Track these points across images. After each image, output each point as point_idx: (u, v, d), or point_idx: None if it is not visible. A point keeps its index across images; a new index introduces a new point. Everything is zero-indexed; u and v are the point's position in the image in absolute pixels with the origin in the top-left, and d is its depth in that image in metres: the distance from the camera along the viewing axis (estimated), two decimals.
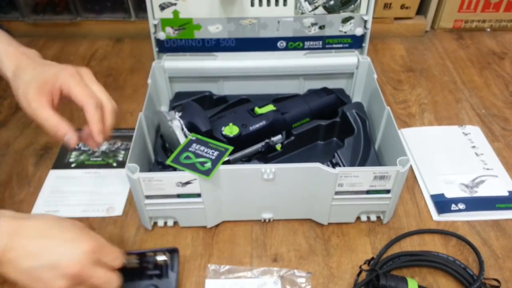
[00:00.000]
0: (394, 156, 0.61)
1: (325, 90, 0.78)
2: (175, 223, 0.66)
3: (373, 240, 0.64)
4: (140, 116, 0.67)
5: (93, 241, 0.47)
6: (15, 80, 0.53)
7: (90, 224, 0.54)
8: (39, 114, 0.51)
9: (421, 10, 1.11)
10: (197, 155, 0.60)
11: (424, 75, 0.98)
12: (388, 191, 0.61)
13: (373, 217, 0.66)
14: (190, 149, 0.61)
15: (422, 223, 0.66)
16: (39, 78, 0.52)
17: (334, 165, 0.67)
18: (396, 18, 1.09)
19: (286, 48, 0.80)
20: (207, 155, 0.60)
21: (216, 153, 0.61)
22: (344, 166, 0.67)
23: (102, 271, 0.46)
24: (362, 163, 0.67)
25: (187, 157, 0.60)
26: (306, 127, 0.73)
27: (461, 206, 0.68)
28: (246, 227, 0.65)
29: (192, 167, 0.58)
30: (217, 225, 0.66)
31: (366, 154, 0.68)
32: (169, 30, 0.78)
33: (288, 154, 0.74)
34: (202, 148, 0.62)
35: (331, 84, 0.81)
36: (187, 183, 0.59)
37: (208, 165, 0.59)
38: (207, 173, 0.58)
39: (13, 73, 0.53)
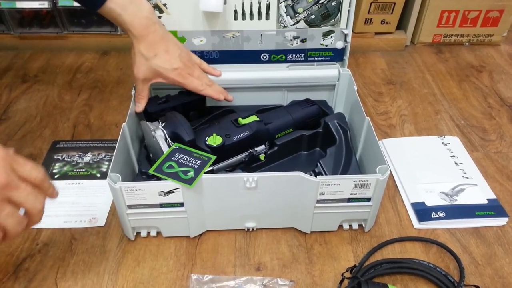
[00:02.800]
0: (374, 165, 0.62)
1: (307, 101, 0.79)
2: (158, 233, 0.66)
3: (355, 248, 0.64)
4: (124, 126, 0.67)
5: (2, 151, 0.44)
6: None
7: None
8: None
9: (401, 25, 1.14)
10: (180, 164, 0.61)
11: (404, 87, 1.00)
12: (369, 199, 0.62)
13: (355, 225, 0.67)
14: (173, 158, 0.62)
15: (403, 231, 0.67)
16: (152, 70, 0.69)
17: (316, 174, 0.68)
18: (376, 33, 1.12)
19: (269, 61, 0.81)
20: (190, 164, 0.61)
21: (199, 162, 0.61)
22: (326, 175, 0.68)
23: (24, 184, 0.44)
24: (344, 172, 0.68)
25: (170, 166, 0.60)
26: (289, 137, 0.74)
27: (441, 214, 0.69)
28: (229, 236, 0.66)
29: (174, 176, 0.59)
30: (200, 235, 0.66)
31: (347, 163, 0.69)
32: None
33: (272, 164, 0.74)
34: (185, 157, 0.62)
35: (314, 95, 0.83)
36: (170, 192, 0.59)
37: (191, 174, 0.59)
38: (189, 182, 0.58)
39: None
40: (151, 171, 0.60)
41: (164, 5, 0.75)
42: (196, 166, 0.60)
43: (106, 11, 0.64)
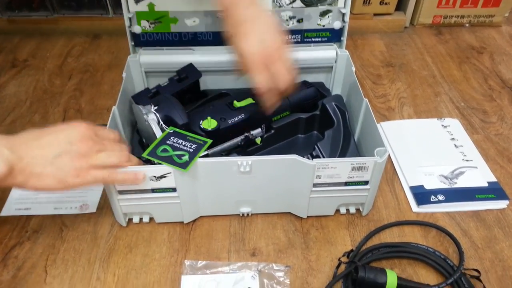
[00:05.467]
0: (372, 147, 0.60)
1: (304, 83, 0.77)
2: (151, 219, 0.64)
3: (352, 232, 0.63)
4: (114, 109, 0.65)
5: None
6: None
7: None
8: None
9: (400, 6, 1.11)
10: (175, 148, 0.59)
11: (403, 69, 0.98)
12: (366, 182, 0.60)
13: (352, 209, 0.65)
14: (167, 142, 0.60)
15: (402, 214, 0.66)
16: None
17: (314, 158, 0.66)
18: (375, 14, 1.09)
19: None
20: (185, 148, 0.59)
21: (194, 146, 0.59)
22: (324, 158, 0.66)
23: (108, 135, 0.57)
24: (342, 155, 0.66)
25: (164, 150, 0.59)
26: (286, 120, 0.72)
27: (441, 197, 0.67)
28: (224, 222, 0.64)
29: (169, 160, 0.57)
30: (194, 220, 0.64)
31: (346, 146, 0.67)
32: (144, 23, 0.76)
33: (268, 147, 0.72)
34: (180, 141, 0.60)
35: (311, 77, 0.81)
36: (162, 177, 0.58)
37: (186, 158, 0.57)
38: (184, 166, 0.56)
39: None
40: (144, 155, 0.58)
41: None
42: (191, 150, 0.58)
43: None
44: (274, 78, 0.58)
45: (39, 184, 0.50)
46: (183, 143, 0.60)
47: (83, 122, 0.54)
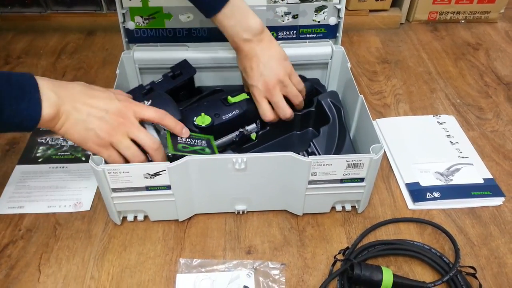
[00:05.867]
0: (368, 144, 0.60)
1: (300, 78, 0.77)
2: (146, 217, 0.64)
3: (348, 230, 0.63)
4: None
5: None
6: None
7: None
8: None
9: (396, 2, 1.11)
10: (191, 145, 0.60)
11: (399, 66, 0.98)
12: (362, 180, 0.60)
13: (348, 207, 0.65)
14: (179, 140, 0.60)
15: (398, 212, 0.66)
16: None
17: (309, 155, 0.66)
18: (371, 10, 1.09)
19: None
20: (199, 144, 0.60)
21: (203, 141, 0.61)
22: (320, 155, 0.66)
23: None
24: (338, 152, 0.66)
25: (184, 147, 0.59)
26: None
27: (437, 194, 0.67)
28: (219, 220, 0.64)
29: (196, 153, 0.58)
30: (189, 218, 0.64)
31: (341, 142, 0.67)
32: (138, 19, 0.75)
33: (264, 144, 0.72)
34: (187, 139, 0.61)
35: (306, 74, 0.80)
36: (156, 174, 0.57)
37: (208, 151, 0.59)
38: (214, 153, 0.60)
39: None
40: (171, 151, 0.58)
41: None
42: (205, 145, 0.60)
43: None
44: (276, 109, 0.65)
45: (67, 134, 0.53)
46: (193, 141, 0.61)
47: (128, 97, 0.58)
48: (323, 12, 0.76)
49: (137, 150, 0.56)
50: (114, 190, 0.59)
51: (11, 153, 0.74)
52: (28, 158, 0.73)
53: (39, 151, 0.75)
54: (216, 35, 0.77)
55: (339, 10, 0.75)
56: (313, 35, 0.78)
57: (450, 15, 1.12)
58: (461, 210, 0.66)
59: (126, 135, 0.55)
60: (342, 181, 0.60)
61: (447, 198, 0.67)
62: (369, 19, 1.09)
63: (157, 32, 0.77)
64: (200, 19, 0.75)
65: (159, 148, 0.57)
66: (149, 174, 0.57)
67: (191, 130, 0.63)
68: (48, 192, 0.67)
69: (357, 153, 0.67)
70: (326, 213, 0.64)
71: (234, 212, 0.64)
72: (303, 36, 0.79)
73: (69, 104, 0.52)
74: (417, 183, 0.69)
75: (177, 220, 0.63)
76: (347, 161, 0.57)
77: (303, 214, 0.64)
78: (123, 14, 0.74)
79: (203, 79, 0.80)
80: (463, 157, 0.74)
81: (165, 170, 0.57)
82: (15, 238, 0.61)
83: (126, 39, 0.77)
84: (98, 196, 0.66)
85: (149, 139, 0.56)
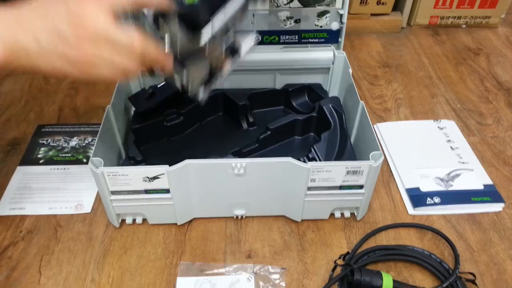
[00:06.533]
0: (368, 150, 0.60)
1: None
2: (144, 220, 0.64)
3: (348, 234, 0.63)
4: (108, 108, 0.64)
5: None
6: None
7: None
8: None
9: (397, 6, 1.11)
10: None
11: (400, 70, 0.98)
12: (361, 187, 0.60)
13: (347, 214, 0.65)
14: None
15: (398, 217, 0.66)
16: None
17: (311, 160, 0.66)
18: (372, 14, 1.09)
19: (261, 42, 0.78)
20: None
21: None
22: (320, 160, 0.66)
23: None
24: (339, 158, 0.66)
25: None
26: (283, 122, 0.72)
27: (437, 199, 0.67)
28: (219, 223, 0.64)
29: None
30: (190, 222, 0.64)
31: (342, 148, 0.67)
32: None
33: (265, 149, 0.72)
34: None
35: (308, 79, 0.80)
36: (155, 178, 0.57)
37: None
38: None
39: None
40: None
41: None
42: None
43: None
44: None
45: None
46: None
47: None
48: (326, 17, 0.76)
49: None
50: (113, 192, 0.59)
51: (12, 153, 0.75)
52: (29, 159, 0.74)
53: (40, 152, 0.75)
54: None
55: (341, 15, 0.75)
56: (315, 40, 0.79)
57: (451, 19, 1.13)
58: (461, 216, 0.66)
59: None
60: (341, 187, 0.60)
61: (447, 204, 0.67)
62: (370, 23, 1.09)
63: None
64: None
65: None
66: (148, 177, 0.57)
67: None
68: (49, 194, 0.68)
69: (357, 159, 0.68)
70: (324, 219, 0.65)
71: (232, 217, 0.65)
72: (305, 40, 0.79)
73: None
74: (417, 188, 0.69)
75: (175, 223, 0.64)
76: (346, 168, 0.57)
77: (302, 220, 0.64)
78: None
79: None
80: (463, 163, 0.74)
81: (164, 173, 0.57)
82: (16, 239, 0.61)
83: None
84: (98, 198, 0.67)
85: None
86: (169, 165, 0.56)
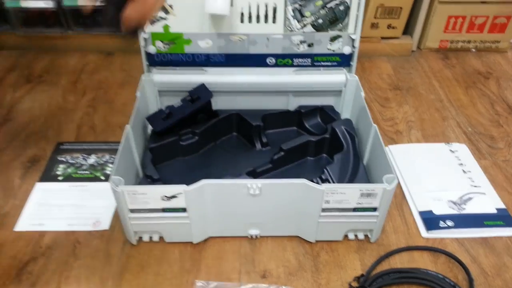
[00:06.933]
0: (381, 173, 0.61)
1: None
2: (161, 238, 0.65)
3: (362, 256, 0.63)
4: (127, 128, 0.66)
5: None
6: None
7: None
8: None
9: (408, 30, 1.14)
10: None
11: (410, 93, 0.99)
12: (375, 209, 0.61)
13: (361, 235, 0.66)
14: None
15: (411, 239, 0.66)
16: None
17: (323, 181, 0.67)
18: (383, 38, 1.11)
19: (275, 65, 0.81)
20: None
21: None
22: (333, 182, 0.67)
23: None
24: (352, 180, 0.67)
25: None
26: (296, 143, 0.73)
27: (450, 223, 0.68)
28: (234, 243, 0.65)
29: None
30: (205, 241, 0.65)
31: (355, 170, 0.68)
32: (159, 44, 0.78)
33: (278, 169, 0.73)
34: None
35: (320, 101, 0.82)
36: (173, 197, 0.59)
37: None
38: None
39: None
40: None
41: (170, 6, 0.75)
42: None
43: None
44: None
45: None
46: None
47: None
48: (338, 42, 0.78)
49: None
50: (132, 210, 0.60)
51: (32, 170, 0.77)
52: (48, 176, 0.75)
53: (59, 169, 0.77)
54: (232, 61, 0.80)
55: (353, 40, 0.78)
56: (327, 63, 0.81)
57: (461, 43, 1.15)
58: (474, 239, 0.67)
59: None
60: (355, 209, 0.61)
61: (460, 227, 0.67)
62: (380, 46, 1.12)
63: (177, 57, 0.79)
64: (218, 45, 0.78)
65: None
66: (166, 196, 0.59)
67: None
68: (68, 210, 0.69)
69: (370, 182, 0.69)
70: (338, 241, 0.65)
71: (247, 236, 0.65)
72: (317, 64, 0.81)
73: None
74: (430, 211, 0.70)
75: (191, 242, 0.65)
76: (360, 190, 0.58)
77: (316, 241, 0.65)
78: (145, 39, 0.77)
79: (220, 103, 0.82)
80: (475, 186, 0.75)
81: (182, 193, 0.58)
82: (36, 255, 0.62)
83: (147, 63, 0.79)
84: (116, 216, 0.68)
85: None
86: (185, 184, 0.58)
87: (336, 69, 0.81)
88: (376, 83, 1.02)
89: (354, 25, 0.76)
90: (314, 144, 0.75)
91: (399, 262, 0.63)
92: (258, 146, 0.79)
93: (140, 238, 0.65)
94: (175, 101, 0.79)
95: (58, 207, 0.70)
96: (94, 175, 0.76)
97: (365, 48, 1.10)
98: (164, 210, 0.60)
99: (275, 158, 0.72)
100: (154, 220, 0.61)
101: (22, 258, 0.62)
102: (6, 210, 0.69)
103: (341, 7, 0.75)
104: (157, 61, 0.80)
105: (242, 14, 0.75)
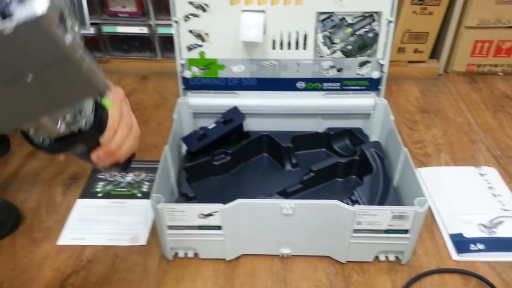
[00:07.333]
0: (411, 195, 0.62)
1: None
2: (195, 254, 0.67)
3: (393, 278, 0.64)
4: (166, 149, 0.70)
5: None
6: None
7: None
8: None
9: (434, 54, 1.15)
10: None
11: (438, 116, 1.00)
12: (406, 231, 0.62)
13: (392, 257, 0.66)
14: None
15: (442, 262, 0.66)
16: None
17: (353, 202, 0.68)
18: (410, 61, 1.13)
19: (305, 89, 0.84)
20: None
21: None
22: (363, 203, 0.68)
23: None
24: (382, 202, 0.68)
25: None
26: (326, 164, 0.75)
27: (481, 246, 0.68)
28: (266, 261, 0.66)
29: None
30: (237, 258, 0.67)
31: (385, 192, 0.70)
32: (195, 69, 0.82)
33: (308, 190, 0.75)
34: None
35: (349, 123, 0.84)
36: (209, 215, 0.61)
37: None
38: None
39: None
40: None
41: (206, 34, 0.79)
42: None
43: None
44: None
45: None
46: None
47: None
48: (367, 67, 0.81)
49: None
50: (170, 227, 0.63)
51: (73, 187, 0.81)
52: (88, 192, 0.80)
53: (98, 186, 0.81)
54: (263, 85, 0.84)
55: (382, 65, 0.80)
56: (356, 87, 0.83)
57: (488, 67, 1.15)
58: (506, 263, 0.66)
59: None
60: (386, 231, 0.62)
61: (492, 251, 0.67)
62: (407, 70, 1.13)
63: (211, 81, 0.84)
64: (250, 70, 0.82)
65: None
66: (203, 214, 0.61)
67: None
68: (107, 226, 0.73)
69: (400, 204, 0.70)
70: (369, 262, 0.66)
71: (278, 255, 0.67)
72: (346, 88, 0.83)
73: None
74: (461, 234, 0.70)
75: (224, 259, 0.67)
76: (392, 212, 0.59)
77: (346, 261, 0.66)
78: (182, 64, 0.81)
79: (251, 124, 0.85)
80: (506, 210, 0.74)
81: (218, 211, 0.61)
82: (77, 268, 0.66)
83: (183, 86, 0.84)
84: (152, 232, 0.71)
85: None
86: (218, 202, 0.60)
87: (364, 93, 0.83)
88: (403, 106, 1.04)
89: (383, 51, 0.79)
90: (343, 165, 0.76)
91: (430, 284, 0.63)
92: (288, 166, 0.81)
93: (176, 254, 0.67)
94: (209, 123, 0.83)
95: (97, 222, 0.73)
96: (132, 192, 0.79)
97: (392, 71, 1.11)
98: (200, 227, 0.63)
99: (305, 178, 0.74)
100: (190, 237, 0.64)
101: (65, 270, 0.65)
102: (49, 225, 0.73)
103: (370, 34, 0.78)
104: (192, 85, 0.84)
105: (274, 41, 0.79)
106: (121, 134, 0.45)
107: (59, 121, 0.37)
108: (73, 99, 0.34)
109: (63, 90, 0.30)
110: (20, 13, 0.25)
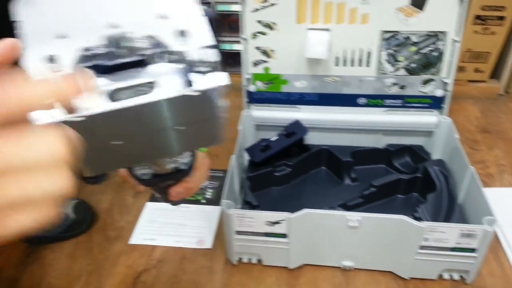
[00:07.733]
0: (478, 215, 0.62)
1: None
2: (259, 260, 0.70)
3: None
4: (233, 158, 0.73)
5: None
6: None
7: None
8: None
9: (495, 74, 1.13)
10: None
11: (500, 136, 0.98)
12: (473, 250, 0.61)
13: (456, 276, 0.66)
14: None
15: (508, 285, 0.65)
16: None
17: (416, 219, 0.69)
18: (469, 81, 1.12)
19: (366, 105, 0.85)
20: None
21: None
22: (427, 220, 0.68)
23: None
24: (446, 220, 0.68)
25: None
26: (387, 180, 0.76)
27: None
28: (328, 272, 0.68)
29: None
30: (300, 267, 0.69)
31: (450, 211, 0.69)
32: (259, 83, 0.86)
33: (368, 204, 0.76)
34: None
35: (409, 140, 0.84)
36: (276, 222, 0.64)
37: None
38: None
39: None
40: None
41: (272, 51, 0.83)
42: None
43: None
44: None
45: None
46: None
47: None
48: (430, 84, 0.81)
49: None
50: (238, 232, 0.66)
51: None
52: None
53: None
54: (325, 100, 0.86)
55: (446, 84, 0.80)
56: (418, 105, 0.84)
57: None
58: None
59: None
60: (453, 249, 0.62)
61: None
62: (467, 89, 1.12)
63: (274, 95, 0.87)
64: (312, 85, 0.84)
65: None
66: (270, 221, 0.64)
67: None
68: (174, 228, 0.77)
69: (465, 223, 0.69)
70: (432, 279, 0.66)
71: (340, 267, 0.68)
72: (409, 105, 0.84)
73: None
74: None
75: (286, 267, 0.69)
76: (460, 230, 0.60)
77: (410, 278, 0.66)
78: (247, 79, 0.85)
79: (311, 138, 0.87)
80: None
81: (285, 219, 0.63)
82: (148, 266, 0.70)
83: (247, 100, 0.88)
84: (217, 236, 0.74)
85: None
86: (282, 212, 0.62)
87: (426, 111, 0.84)
88: (464, 125, 1.02)
89: (447, 70, 0.79)
90: (405, 182, 0.77)
91: None
92: (347, 181, 0.83)
93: (240, 259, 0.70)
94: (270, 135, 0.86)
95: (165, 224, 0.78)
96: (196, 198, 0.83)
97: (452, 90, 1.11)
98: (267, 234, 0.65)
99: (366, 193, 0.75)
100: (256, 243, 0.67)
101: (136, 268, 0.70)
102: (121, 225, 0.78)
103: (435, 53, 0.78)
104: (256, 98, 0.88)
105: (337, 58, 0.81)
106: (201, 172, 0.47)
107: (171, 161, 0.40)
108: (195, 147, 0.37)
109: (193, 140, 0.33)
110: (203, 83, 0.28)
